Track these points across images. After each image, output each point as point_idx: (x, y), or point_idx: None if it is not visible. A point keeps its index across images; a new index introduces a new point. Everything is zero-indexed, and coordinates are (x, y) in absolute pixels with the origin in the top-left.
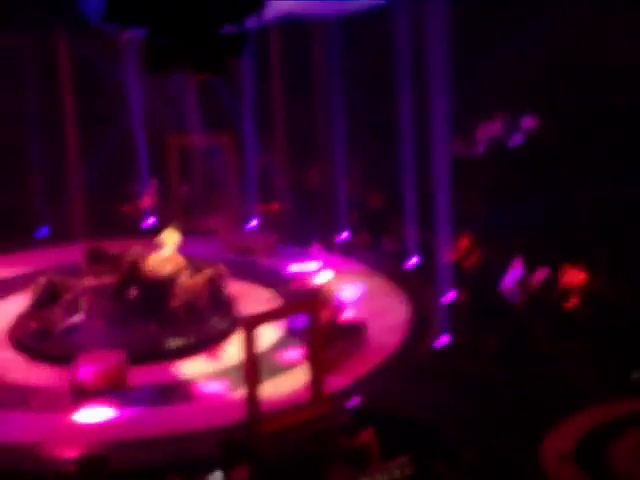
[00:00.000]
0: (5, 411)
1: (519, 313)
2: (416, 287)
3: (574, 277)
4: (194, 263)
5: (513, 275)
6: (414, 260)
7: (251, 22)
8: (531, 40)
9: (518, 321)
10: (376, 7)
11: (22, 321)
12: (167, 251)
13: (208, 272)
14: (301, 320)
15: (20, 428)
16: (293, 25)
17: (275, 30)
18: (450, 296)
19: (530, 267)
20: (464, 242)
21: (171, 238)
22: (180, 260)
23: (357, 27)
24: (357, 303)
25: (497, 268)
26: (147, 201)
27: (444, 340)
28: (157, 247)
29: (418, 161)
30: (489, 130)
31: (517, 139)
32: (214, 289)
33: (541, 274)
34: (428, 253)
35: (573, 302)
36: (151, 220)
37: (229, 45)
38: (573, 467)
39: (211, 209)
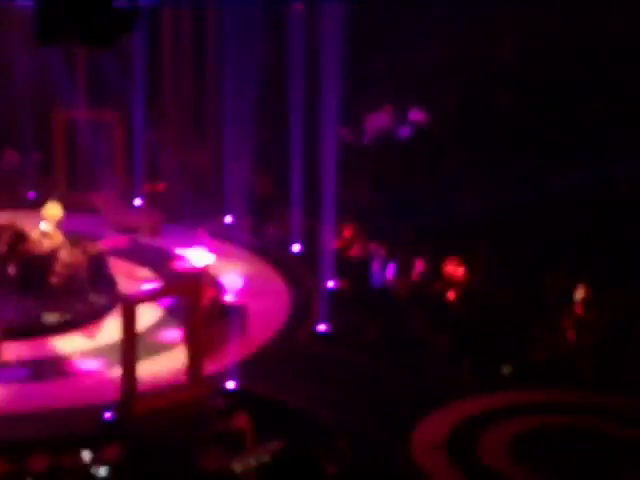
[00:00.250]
0: None
1: (398, 303)
2: (298, 274)
3: (454, 270)
4: (75, 239)
5: (391, 266)
6: (297, 246)
7: None
8: (421, 34)
9: (396, 311)
10: None
11: None
12: (47, 226)
13: (89, 249)
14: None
15: None
16: (188, 4)
17: (169, 8)
18: (332, 284)
19: (411, 258)
20: (348, 230)
21: (52, 213)
22: (60, 235)
23: (252, 10)
24: (238, 287)
25: (379, 258)
26: (28, 173)
27: (323, 327)
28: (37, 221)
29: (306, 148)
30: (377, 121)
31: (404, 131)
32: (94, 266)
33: (421, 266)
34: (312, 240)
35: (451, 294)
36: (32, 193)
37: (120, 19)
38: (443, 457)
39: (95, 185)
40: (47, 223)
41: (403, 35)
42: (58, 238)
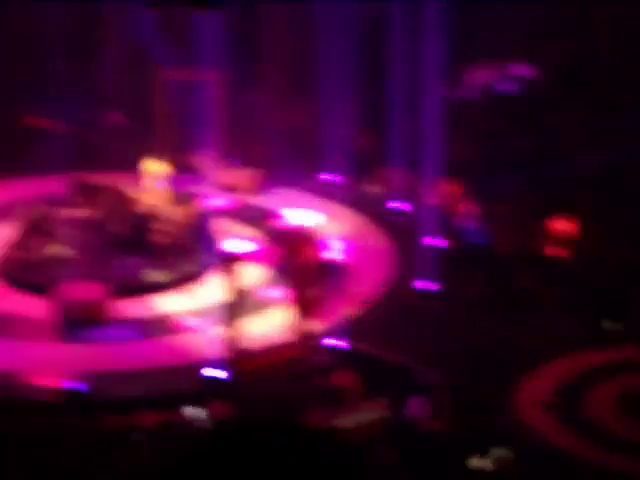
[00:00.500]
0: None
1: (503, 260)
2: (402, 231)
3: (563, 226)
4: (178, 198)
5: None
6: (401, 203)
7: None
8: None
9: (502, 267)
10: None
11: (7, 250)
12: (151, 184)
13: (192, 207)
14: None
15: (1, 355)
16: None
17: None
18: (436, 241)
19: (521, 215)
20: (451, 187)
21: (155, 170)
22: (164, 194)
23: None
24: (341, 244)
25: (486, 215)
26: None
27: (427, 284)
28: (142, 180)
29: (409, 103)
30: (480, 76)
31: (507, 86)
32: (198, 225)
33: (527, 222)
34: (416, 197)
35: (560, 251)
36: (137, 153)
37: None
38: (548, 411)
39: (196, 145)
40: (151, 181)
41: None
42: (162, 196)
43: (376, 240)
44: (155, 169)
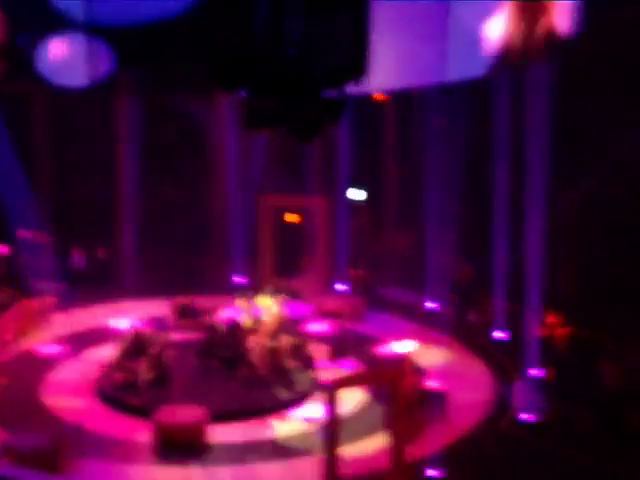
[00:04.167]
0: (85, 460)
1: (611, 394)
2: (501, 360)
3: None
4: (284, 325)
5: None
6: (500, 333)
7: (351, 89)
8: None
9: (612, 401)
10: (476, 80)
11: (107, 371)
12: (265, 315)
13: (292, 334)
14: None
15: (100, 478)
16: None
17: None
18: (537, 372)
19: (622, 345)
20: (554, 317)
21: (266, 304)
22: (272, 321)
23: (457, 97)
24: (440, 373)
25: (588, 345)
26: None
27: (528, 416)
28: (250, 309)
29: (511, 232)
30: None
31: None
32: (298, 351)
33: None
34: (516, 327)
35: None
36: (239, 277)
37: (328, 109)
38: None
39: (300, 271)
40: (264, 312)
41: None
42: (268, 324)
43: (476, 369)
44: (266, 301)
